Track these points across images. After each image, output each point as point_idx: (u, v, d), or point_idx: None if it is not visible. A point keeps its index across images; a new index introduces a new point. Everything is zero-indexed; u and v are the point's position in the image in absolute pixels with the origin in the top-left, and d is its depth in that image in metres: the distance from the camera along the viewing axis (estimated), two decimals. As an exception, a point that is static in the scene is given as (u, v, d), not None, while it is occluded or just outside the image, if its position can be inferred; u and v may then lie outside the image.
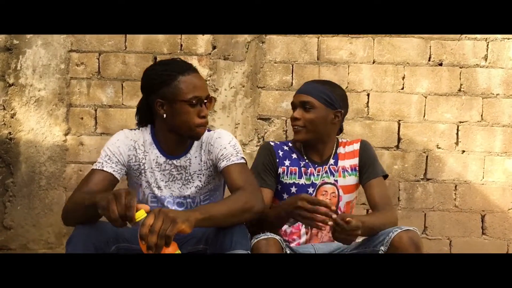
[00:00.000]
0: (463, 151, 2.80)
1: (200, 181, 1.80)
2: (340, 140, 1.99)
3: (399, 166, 2.80)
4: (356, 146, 1.95)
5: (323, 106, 1.86)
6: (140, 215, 1.37)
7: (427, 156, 2.80)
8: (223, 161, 1.73)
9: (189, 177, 1.79)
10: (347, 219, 1.54)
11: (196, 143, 1.80)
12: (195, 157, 1.79)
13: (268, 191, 1.89)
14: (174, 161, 1.78)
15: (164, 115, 1.70)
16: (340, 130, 2.02)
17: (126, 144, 1.75)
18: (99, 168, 1.69)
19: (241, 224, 1.60)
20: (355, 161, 1.93)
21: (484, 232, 2.81)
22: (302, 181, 1.91)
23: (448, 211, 2.81)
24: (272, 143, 1.98)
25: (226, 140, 1.77)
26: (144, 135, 1.79)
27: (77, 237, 1.53)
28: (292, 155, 1.95)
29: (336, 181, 1.91)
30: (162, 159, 1.78)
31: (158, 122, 1.77)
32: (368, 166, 1.91)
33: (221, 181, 1.90)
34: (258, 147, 2.79)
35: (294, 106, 1.92)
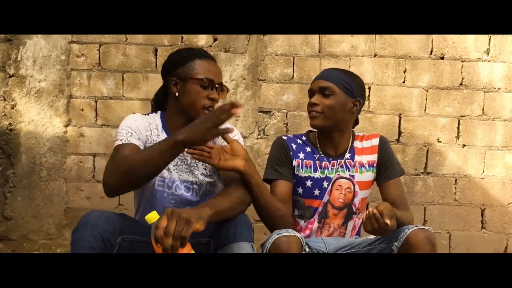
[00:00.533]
0: (464, 145, 2.80)
1: (205, 169, 1.81)
2: (356, 134, 1.94)
3: (400, 159, 2.79)
4: (375, 142, 1.90)
5: (343, 93, 1.81)
6: (153, 217, 1.36)
7: (427, 150, 2.80)
8: None
9: (195, 164, 1.80)
10: (386, 221, 1.53)
11: None
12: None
13: (284, 182, 1.84)
14: None
15: (177, 94, 1.75)
16: (356, 122, 1.97)
17: (143, 125, 1.77)
18: (126, 142, 1.67)
19: (244, 214, 1.63)
20: (373, 157, 1.88)
21: (483, 226, 2.81)
22: (317, 174, 1.85)
23: (448, 205, 2.81)
24: (284, 137, 1.92)
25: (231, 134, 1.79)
26: (156, 120, 1.82)
27: (85, 226, 1.52)
28: (306, 148, 1.90)
29: (353, 176, 1.86)
30: None
31: (171, 104, 1.81)
32: (387, 166, 1.87)
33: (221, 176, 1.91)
34: (258, 140, 2.79)
35: (312, 92, 1.85)
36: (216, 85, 1.75)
